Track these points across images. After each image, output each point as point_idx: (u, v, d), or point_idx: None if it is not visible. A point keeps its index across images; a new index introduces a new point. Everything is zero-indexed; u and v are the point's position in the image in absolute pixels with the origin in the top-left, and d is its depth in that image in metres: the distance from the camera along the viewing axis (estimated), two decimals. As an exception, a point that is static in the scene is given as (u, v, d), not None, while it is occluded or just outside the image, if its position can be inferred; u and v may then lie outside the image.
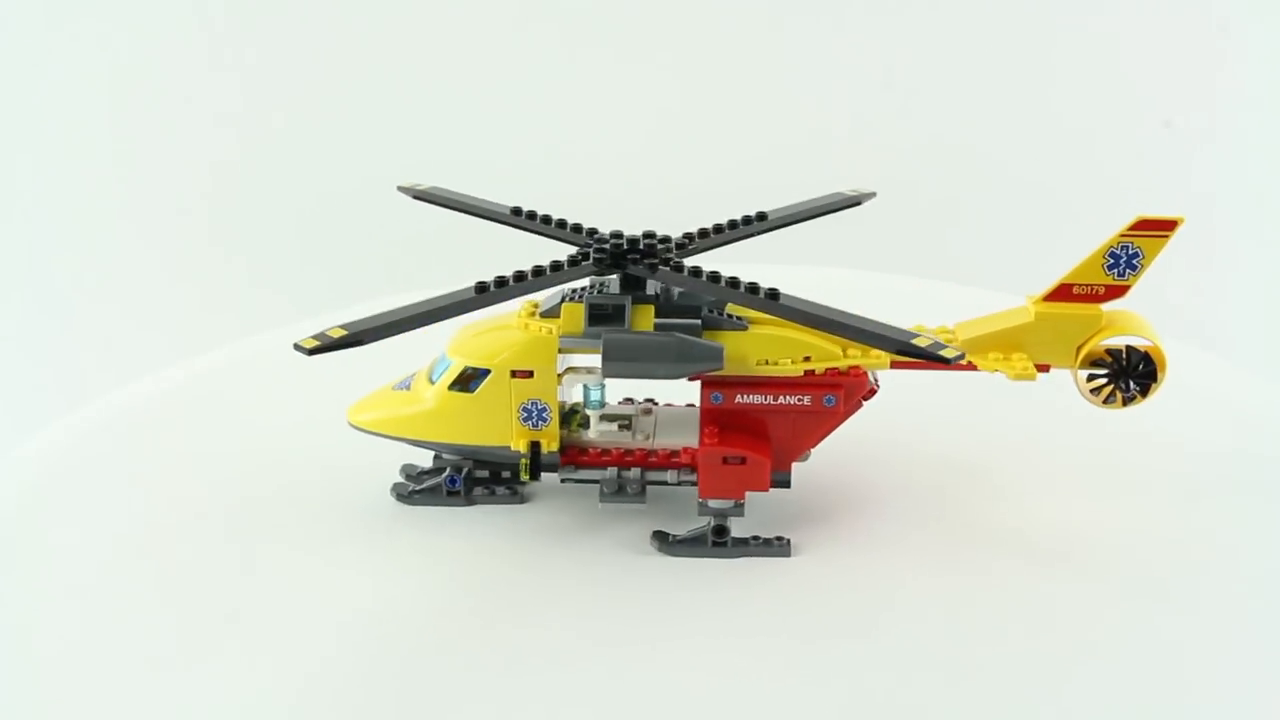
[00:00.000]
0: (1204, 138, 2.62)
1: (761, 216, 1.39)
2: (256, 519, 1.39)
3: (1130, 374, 1.32)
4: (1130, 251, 1.28)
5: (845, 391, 1.30)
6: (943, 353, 1.20)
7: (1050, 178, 2.60)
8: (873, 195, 1.48)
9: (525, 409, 1.31)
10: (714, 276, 1.24)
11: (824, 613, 1.24)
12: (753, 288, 1.23)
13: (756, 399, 1.29)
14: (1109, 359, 1.32)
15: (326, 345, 1.15)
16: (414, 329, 1.20)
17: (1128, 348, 1.32)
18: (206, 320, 2.33)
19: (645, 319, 1.28)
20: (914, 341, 1.21)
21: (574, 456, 1.33)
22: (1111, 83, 2.63)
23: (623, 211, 1.41)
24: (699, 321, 1.27)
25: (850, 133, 2.65)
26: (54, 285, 2.50)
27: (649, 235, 1.29)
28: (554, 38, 2.68)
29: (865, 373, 1.31)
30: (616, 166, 2.55)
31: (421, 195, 1.44)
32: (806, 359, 1.29)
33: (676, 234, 1.34)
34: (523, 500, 1.42)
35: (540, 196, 1.45)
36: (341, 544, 1.35)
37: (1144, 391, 1.33)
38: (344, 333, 1.16)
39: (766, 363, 1.28)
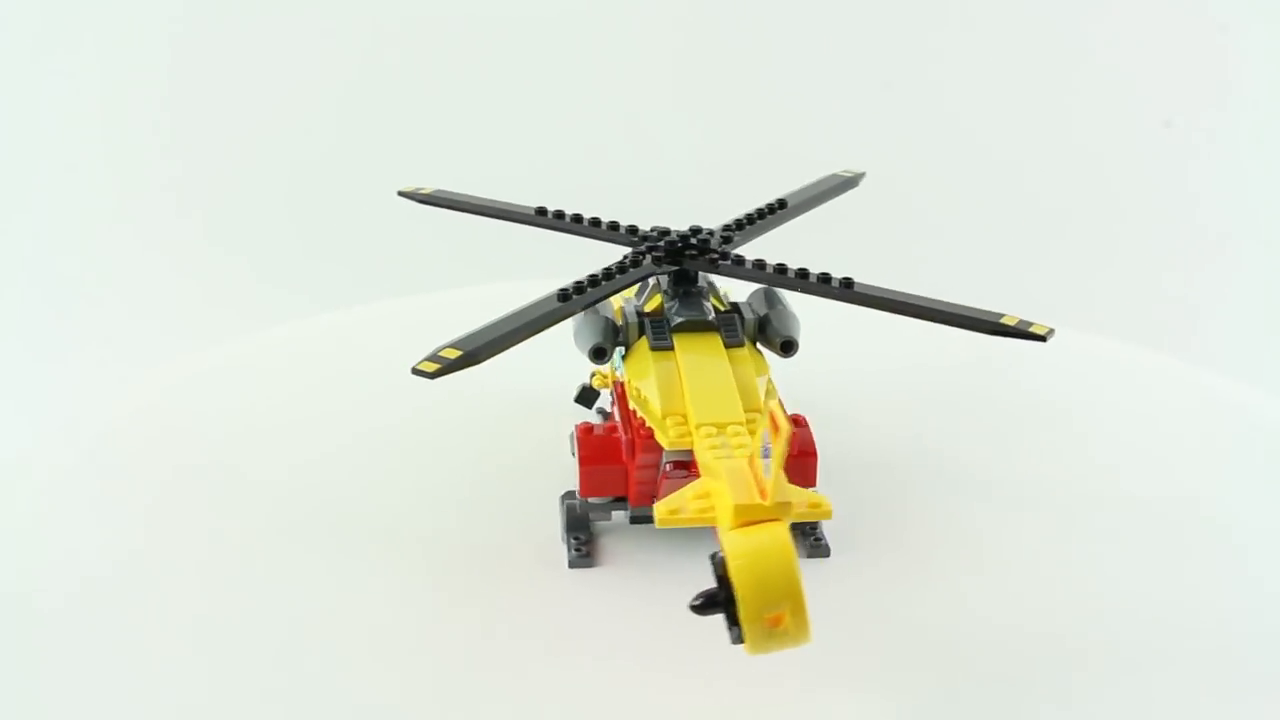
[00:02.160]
0: (1204, 138, 2.63)
1: (782, 204, 1.38)
2: (253, 514, 1.40)
3: (720, 591, 0.90)
4: None
5: (627, 448, 1.22)
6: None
7: (1049, 178, 2.61)
8: (863, 175, 1.48)
9: None
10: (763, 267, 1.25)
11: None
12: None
13: (616, 412, 1.27)
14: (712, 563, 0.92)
15: (446, 367, 1.14)
16: (520, 342, 1.19)
17: (720, 558, 0.91)
18: (207, 317, 2.34)
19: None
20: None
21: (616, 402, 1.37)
22: (1111, 83, 2.64)
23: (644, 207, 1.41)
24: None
25: (842, 130, 2.66)
26: (53, 284, 2.51)
27: (695, 231, 1.30)
28: (547, 38, 2.70)
29: (651, 439, 1.18)
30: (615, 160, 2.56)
31: (427, 200, 1.44)
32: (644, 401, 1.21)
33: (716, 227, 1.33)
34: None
35: (545, 193, 1.45)
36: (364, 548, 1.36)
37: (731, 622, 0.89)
38: (459, 353, 1.15)
39: (638, 391, 1.23)
